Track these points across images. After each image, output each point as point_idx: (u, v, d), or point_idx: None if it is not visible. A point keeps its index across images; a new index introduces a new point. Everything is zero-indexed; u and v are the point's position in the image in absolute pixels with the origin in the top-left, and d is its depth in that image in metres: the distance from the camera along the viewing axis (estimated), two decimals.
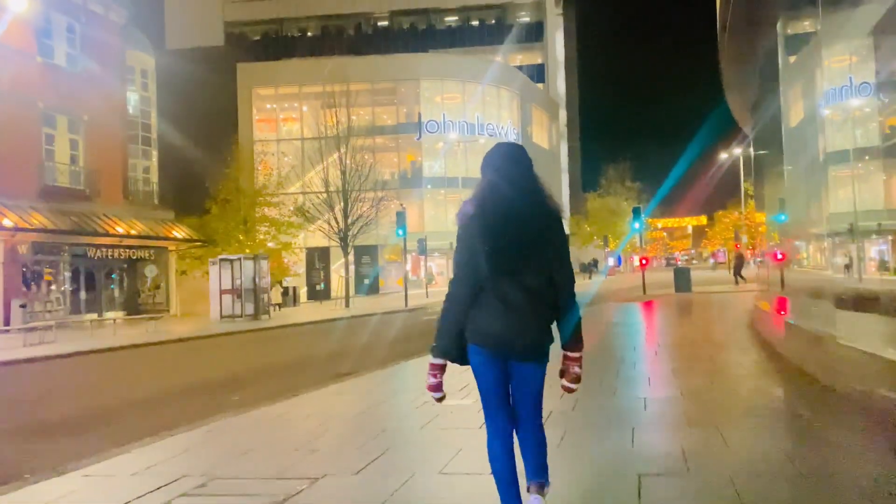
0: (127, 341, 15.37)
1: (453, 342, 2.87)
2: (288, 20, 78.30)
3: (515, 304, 2.81)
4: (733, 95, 59.38)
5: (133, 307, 29.22)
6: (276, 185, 38.50)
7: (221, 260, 22.85)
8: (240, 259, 22.60)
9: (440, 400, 2.96)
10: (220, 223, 34.69)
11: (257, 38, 76.99)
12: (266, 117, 57.92)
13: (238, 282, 22.46)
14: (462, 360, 2.91)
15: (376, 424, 5.52)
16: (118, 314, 27.29)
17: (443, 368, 2.90)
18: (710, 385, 6.62)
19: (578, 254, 78.06)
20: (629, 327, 13.32)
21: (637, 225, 27.34)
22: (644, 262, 28.07)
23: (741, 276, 30.46)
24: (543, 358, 2.96)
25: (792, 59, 49.05)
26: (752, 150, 43.50)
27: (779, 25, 45.69)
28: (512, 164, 3.06)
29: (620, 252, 64.85)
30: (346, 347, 13.20)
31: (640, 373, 7.53)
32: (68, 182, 25.51)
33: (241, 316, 22.24)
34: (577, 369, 3.02)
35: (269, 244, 36.15)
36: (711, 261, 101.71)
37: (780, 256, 23.41)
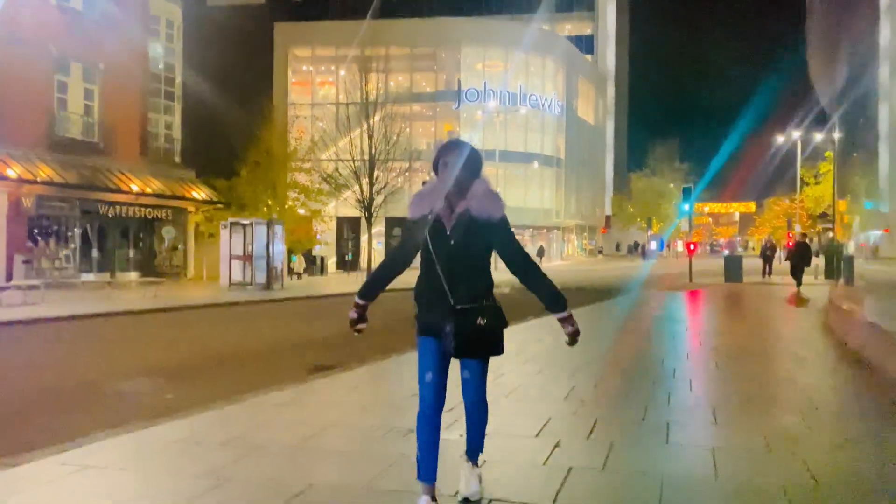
0: (114, 307, 13.94)
1: (375, 292, 3.24)
2: None
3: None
4: (819, 73, 55.36)
5: (149, 269, 28.04)
6: (308, 151, 37.19)
7: (232, 223, 21.35)
8: (252, 224, 21.02)
9: (359, 331, 3.23)
10: (248, 187, 33.85)
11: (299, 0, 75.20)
12: (302, 80, 56.32)
13: (250, 248, 20.92)
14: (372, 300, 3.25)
15: (302, 473, 3.71)
16: (132, 275, 26.10)
17: (364, 308, 3.22)
18: (806, 428, 4.65)
19: (619, 236, 75.24)
20: (677, 324, 11.28)
21: (687, 207, 24.97)
22: (692, 247, 25.71)
23: (770, 269, 25.55)
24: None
25: None
26: (836, 133, 39.91)
27: None
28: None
29: (667, 236, 61.92)
30: (344, 329, 11.46)
31: (699, 399, 5.58)
32: (81, 134, 24.21)
33: (252, 284, 20.75)
34: (569, 328, 3.13)
35: (300, 211, 34.93)
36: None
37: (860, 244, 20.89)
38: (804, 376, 6.55)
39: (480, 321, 2.97)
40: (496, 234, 3.07)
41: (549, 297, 3.11)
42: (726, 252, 33.29)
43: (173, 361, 8.33)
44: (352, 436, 4.40)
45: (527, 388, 5.92)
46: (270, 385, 6.19)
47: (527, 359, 7.47)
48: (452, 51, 53.19)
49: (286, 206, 34.25)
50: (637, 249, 62.31)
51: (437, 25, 53.23)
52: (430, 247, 3.03)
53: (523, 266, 3.11)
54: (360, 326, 3.20)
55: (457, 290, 2.99)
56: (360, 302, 3.19)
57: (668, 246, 67.47)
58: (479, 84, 52.15)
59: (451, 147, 3.13)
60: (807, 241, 20.18)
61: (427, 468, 3.06)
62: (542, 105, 54.86)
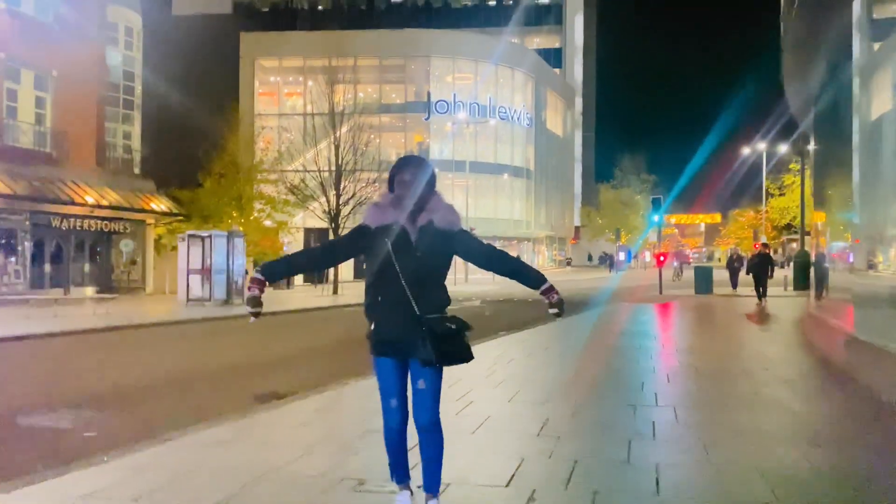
0: (56, 326, 13.00)
1: (281, 274, 3.15)
2: None
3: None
4: (793, 84, 55.99)
5: (107, 284, 26.92)
6: (275, 162, 36.54)
7: (190, 236, 20.42)
8: (210, 236, 20.16)
9: (256, 315, 3.02)
10: (212, 198, 33.11)
11: (266, 9, 74.35)
12: (268, 91, 55.44)
13: (209, 261, 20.05)
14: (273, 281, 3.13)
15: None
16: (88, 290, 24.97)
17: (264, 286, 3.02)
18: (812, 469, 4.14)
19: (589, 247, 75.37)
20: (653, 340, 10.81)
21: (656, 217, 24.74)
22: (661, 258, 25.45)
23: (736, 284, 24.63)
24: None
25: (877, 45, 45.53)
26: (811, 144, 40.11)
27: (858, 7, 42.12)
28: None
29: (637, 247, 62.02)
30: (305, 349, 10.79)
31: (686, 431, 5.05)
32: (32, 143, 23.11)
33: (210, 300, 19.86)
34: (554, 297, 3.13)
35: (266, 223, 34.22)
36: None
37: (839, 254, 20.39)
38: (795, 401, 6.08)
39: (450, 325, 2.97)
40: (459, 243, 3.12)
41: (528, 276, 3.18)
42: (675, 263, 32.93)
43: (108, 388, 7.57)
44: (291, 489, 3.76)
45: (497, 419, 5.34)
46: (211, 417, 5.54)
47: (497, 381, 6.90)
48: (422, 62, 52.84)
49: (251, 218, 33.53)
50: (607, 261, 62.37)
51: (406, 37, 52.85)
52: (393, 258, 2.98)
53: (496, 255, 3.19)
54: (258, 310, 3.03)
55: (422, 300, 2.97)
56: (262, 278, 3.06)
57: (636, 257, 67.71)
58: (449, 96, 51.83)
59: (410, 163, 3.15)
60: (768, 251, 19.82)
61: (400, 471, 3.18)
62: (512, 117, 54.72)
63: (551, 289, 3.13)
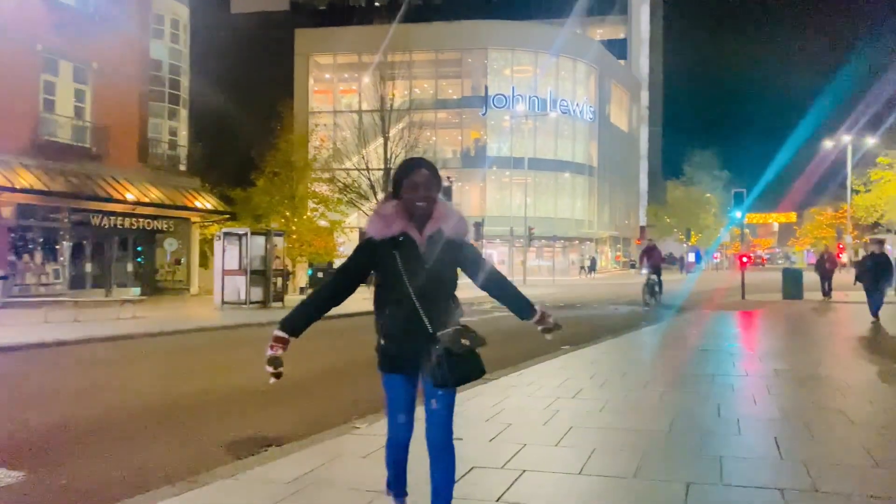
0: (48, 335, 11.62)
1: (306, 324, 2.88)
2: None
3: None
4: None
5: (150, 284, 26.09)
6: (329, 160, 35.67)
7: (226, 234, 19.06)
8: (247, 234, 18.74)
9: (278, 376, 2.80)
10: (264, 197, 32.52)
11: (323, 7, 73.87)
12: (323, 88, 54.57)
13: (245, 261, 18.65)
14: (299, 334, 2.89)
15: None
16: (131, 291, 24.08)
17: (287, 344, 2.84)
18: None
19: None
20: (754, 361, 8.57)
21: (738, 214, 22.05)
22: (745, 260, 22.68)
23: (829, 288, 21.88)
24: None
25: None
26: None
27: None
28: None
29: (714, 248, 58.44)
30: (336, 366, 9.03)
31: None
32: (71, 138, 22.29)
33: (247, 303, 18.44)
34: (549, 321, 3.00)
35: (321, 222, 33.23)
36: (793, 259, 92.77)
37: None
38: None
39: (465, 342, 2.78)
40: (466, 254, 2.96)
41: (523, 304, 3.03)
42: (645, 269, 18.92)
43: (56, 422, 5.94)
44: None
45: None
46: (160, 475, 3.83)
47: (560, 432, 4.92)
48: (479, 55, 50.90)
49: (304, 217, 32.62)
50: (676, 263, 58.98)
51: (463, 29, 51.00)
52: (403, 272, 2.80)
53: (497, 278, 3.04)
54: (279, 371, 2.80)
55: (434, 316, 2.81)
56: (284, 336, 2.82)
57: (708, 258, 64.02)
58: (507, 89, 49.70)
59: (420, 165, 2.93)
60: (882, 251, 15.92)
61: (399, 485, 3.07)
62: (573, 111, 52.16)
63: (544, 315, 3.00)
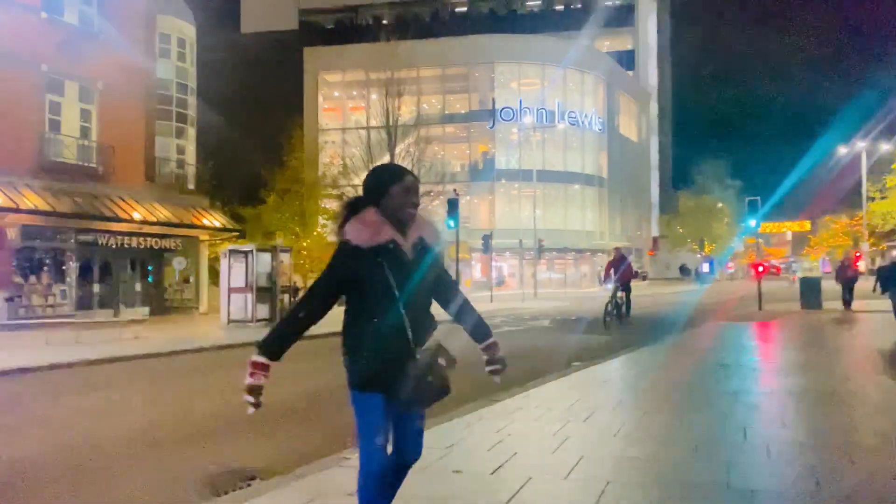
0: (40, 359, 11.29)
1: (286, 346, 2.73)
2: (363, 7, 75.26)
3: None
4: None
5: (159, 304, 25.86)
6: (337, 176, 35.82)
7: (231, 251, 18.80)
8: (252, 250, 18.47)
9: (257, 406, 2.65)
10: (275, 214, 32.65)
11: (330, 26, 74.31)
12: (332, 105, 54.66)
13: (251, 279, 18.36)
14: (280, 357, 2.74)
15: None
16: (139, 311, 23.85)
17: (267, 369, 2.68)
18: None
19: (668, 258, 71.08)
20: (780, 376, 8.11)
21: (753, 222, 21.56)
22: (760, 269, 22.11)
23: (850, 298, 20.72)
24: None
25: None
26: None
27: None
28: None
29: (726, 257, 57.68)
30: (317, 390, 8.64)
31: None
32: (76, 158, 22.18)
33: (253, 321, 18.13)
34: (496, 353, 2.84)
35: (331, 238, 33.11)
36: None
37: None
38: None
39: (442, 362, 2.69)
40: (438, 264, 2.85)
41: (481, 325, 2.88)
42: (609, 283, 16.07)
43: (25, 455, 5.59)
44: None
45: None
46: None
47: (569, 463, 4.51)
48: (486, 69, 50.80)
49: (315, 234, 32.65)
50: (692, 273, 58.24)
51: (469, 44, 50.96)
52: (391, 280, 2.67)
53: (459, 296, 2.89)
54: (259, 401, 2.65)
55: (418, 329, 2.71)
56: (265, 362, 2.67)
57: (721, 267, 63.26)
58: (515, 102, 49.51)
59: (403, 172, 2.85)
60: None
61: None
62: (582, 122, 51.85)
63: (496, 345, 2.85)
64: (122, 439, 6.08)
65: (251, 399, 2.63)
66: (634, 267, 18.05)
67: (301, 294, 21.35)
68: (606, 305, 15.85)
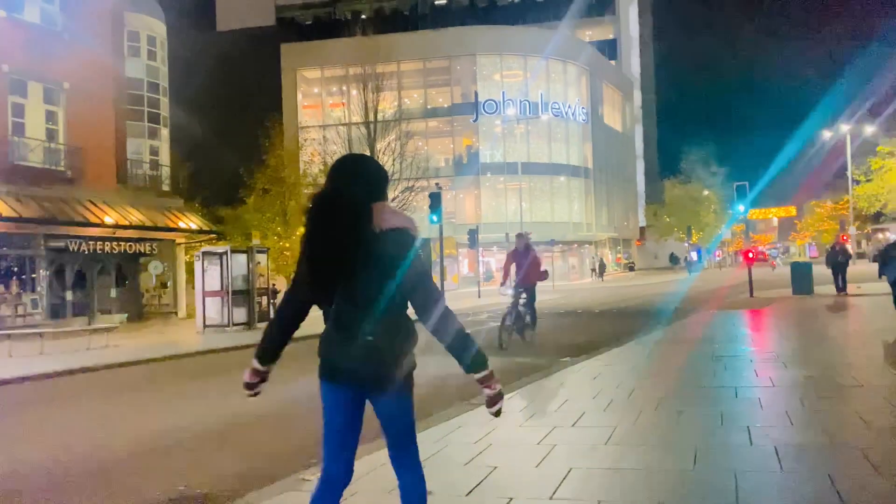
0: (14, 371, 10.68)
1: (277, 348, 2.63)
2: (341, 1, 74.33)
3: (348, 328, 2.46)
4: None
5: (136, 310, 25.10)
6: (318, 174, 35.10)
7: (205, 253, 18.11)
8: (227, 252, 17.79)
9: (256, 394, 2.65)
10: (256, 214, 32.05)
11: (309, 22, 73.33)
12: (312, 102, 53.82)
13: (227, 281, 17.68)
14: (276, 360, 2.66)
15: None
16: (116, 318, 23.07)
17: (266, 374, 2.63)
18: None
19: (655, 247, 70.81)
20: (765, 375, 7.60)
21: (741, 207, 21.12)
22: (752, 255, 21.67)
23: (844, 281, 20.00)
24: (396, 385, 2.48)
25: None
26: None
27: None
28: (350, 177, 2.60)
29: (714, 245, 57.41)
30: (279, 402, 8.04)
31: None
32: (43, 161, 21.37)
33: (230, 325, 17.47)
34: (488, 392, 2.46)
35: None
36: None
37: None
38: None
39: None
40: (405, 263, 2.61)
41: (468, 348, 2.52)
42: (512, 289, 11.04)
43: None
44: None
45: None
46: None
47: (558, 475, 3.95)
48: (468, 62, 50.14)
49: (297, 233, 31.94)
50: (681, 261, 57.93)
51: (450, 36, 50.29)
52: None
53: (437, 306, 2.56)
54: (258, 390, 2.65)
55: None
56: (262, 369, 2.62)
57: (709, 255, 63.06)
58: (498, 94, 48.91)
59: (362, 163, 2.73)
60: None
61: None
62: (566, 113, 51.35)
63: (492, 376, 2.45)
64: (73, 461, 5.45)
65: (248, 392, 2.65)
66: (625, 260, 15.86)
67: (280, 296, 20.51)
68: (504, 317, 11.25)
